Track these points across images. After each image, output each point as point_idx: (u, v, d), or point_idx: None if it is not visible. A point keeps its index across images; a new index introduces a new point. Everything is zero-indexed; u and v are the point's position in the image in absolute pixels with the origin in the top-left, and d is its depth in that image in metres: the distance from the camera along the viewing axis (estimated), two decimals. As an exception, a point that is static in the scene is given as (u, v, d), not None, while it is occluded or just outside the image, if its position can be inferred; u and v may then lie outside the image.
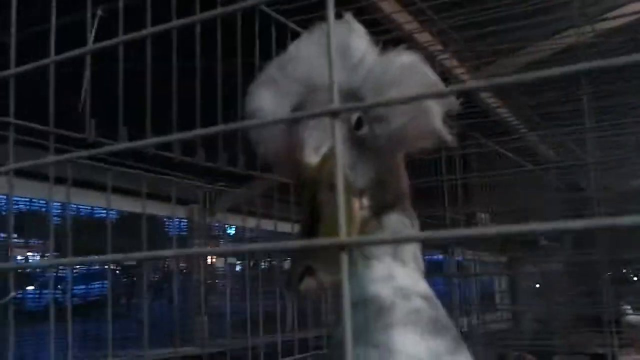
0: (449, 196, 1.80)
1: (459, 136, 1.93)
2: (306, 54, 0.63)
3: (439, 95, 0.61)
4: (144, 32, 0.48)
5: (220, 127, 0.58)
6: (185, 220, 3.56)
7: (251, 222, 2.18)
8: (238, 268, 4.01)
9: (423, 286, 0.66)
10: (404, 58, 0.63)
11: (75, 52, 0.50)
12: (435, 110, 0.62)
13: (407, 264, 0.66)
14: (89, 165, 1.49)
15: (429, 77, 0.63)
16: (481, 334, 3.41)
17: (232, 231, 3.86)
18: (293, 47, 0.65)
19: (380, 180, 0.65)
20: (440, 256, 3.79)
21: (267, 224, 2.01)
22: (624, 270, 3.80)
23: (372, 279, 0.64)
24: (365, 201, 0.62)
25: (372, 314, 0.63)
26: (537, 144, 2.71)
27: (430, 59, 2.17)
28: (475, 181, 2.30)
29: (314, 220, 0.54)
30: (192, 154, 1.32)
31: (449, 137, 0.64)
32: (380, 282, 0.64)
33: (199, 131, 0.51)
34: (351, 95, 0.60)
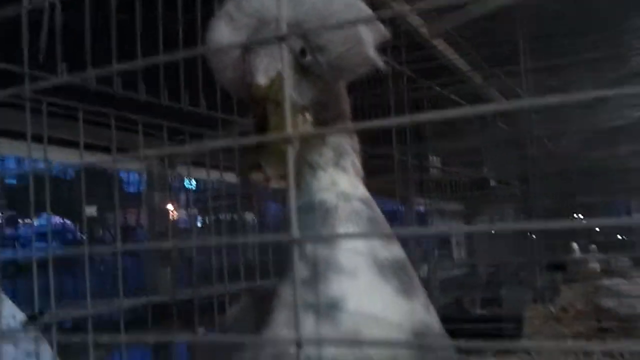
0: (397, 139, 1.92)
1: (409, 80, 2.05)
2: None
3: (368, 21, 0.72)
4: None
5: (181, 54, 0.68)
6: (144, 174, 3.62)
7: (212, 175, 2.30)
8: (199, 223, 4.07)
9: (362, 191, 0.79)
10: None
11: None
12: (368, 41, 0.73)
13: (348, 171, 0.78)
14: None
15: (364, 11, 0.74)
16: (438, 281, 3.62)
17: (191, 185, 3.90)
18: None
19: (321, 101, 0.76)
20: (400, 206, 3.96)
21: (230, 177, 2.08)
22: (574, 213, 4.09)
23: (318, 187, 0.77)
24: (308, 117, 0.74)
25: (319, 216, 0.76)
26: (484, 87, 2.84)
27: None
28: (426, 126, 2.44)
29: (262, 129, 0.65)
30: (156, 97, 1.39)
31: (380, 64, 0.75)
32: (324, 188, 0.76)
33: (162, 58, 0.60)
34: (297, 27, 0.71)
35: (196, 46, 0.87)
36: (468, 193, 3.52)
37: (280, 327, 0.72)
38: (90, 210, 2.64)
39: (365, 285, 0.71)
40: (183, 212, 3.63)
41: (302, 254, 0.73)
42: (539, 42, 2.21)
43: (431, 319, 0.76)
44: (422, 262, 3.79)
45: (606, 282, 3.50)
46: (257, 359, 0.72)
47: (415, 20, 2.46)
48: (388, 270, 0.73)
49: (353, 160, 0.80)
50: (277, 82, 0.67)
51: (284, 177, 0.61)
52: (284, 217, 0.79)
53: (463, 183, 3.23)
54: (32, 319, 1.06)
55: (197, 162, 2.39)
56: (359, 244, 0.73)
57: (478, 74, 2.82)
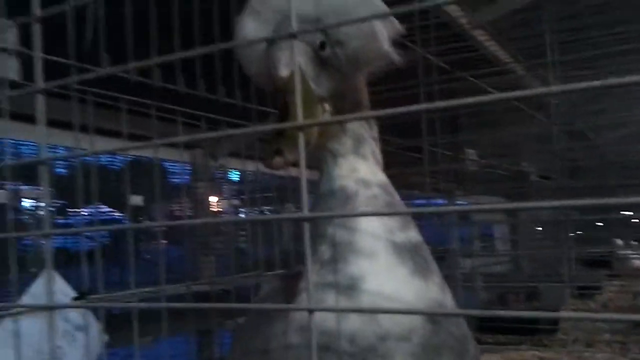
0: (429, 131, 1.95)
1: (442, 71, 2.07)
2: None
3: (382, 17, 0.77)
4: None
5: (216, 46, 0.75)
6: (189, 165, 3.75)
7: (252, 166, 2.30)
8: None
9: (380, 177, 0.84)
10: None
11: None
12: (383, 35, 0.79)
13: (367, 159, 0.84)
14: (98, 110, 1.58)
15: (379, 7, 0.79)
16: (481, 276, 3.62)
17: (235, 176, 3.97)
18: None
19: (340, 92, 0.82)
20: (440, 200, 3.97)
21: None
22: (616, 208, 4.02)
23: (339, 173, 0.82)
24: (327, 107, 0.80)
25: (340, 201, 0.81)
26: (525, 79, 2.83)
27: None
28: (461, 118, 2.46)
29: (283, 118, 0.71)
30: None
31: (396, 57, 0.81)
32: (345, 175, 0.82)
33: (200, 50, 0.66)
34: (316, 22, 0.77)
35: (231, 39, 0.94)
36: (508, 187, 3.51)
37: (304, 303, 0.78)
38: (136, 200, 2.77)
39: (383, 266, 0.77)
40: (226, 203, 3.72)
41: (323, 236, 0.79)
42: (570, 34, 2.20)
43: (445, 298, 0.81)
44: (465, 257, 3.80)
45: None
46: (286, 330, 0.78)
47: (455, 12, 2.48)
48: (404, 252, 0.78)
49: (372, 149, 0.85)
50: (288, 76, 0.73)
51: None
52: (316, 202, 0.85)
53: (502, 177, 3.22)
54: (81, 296, 1.15)
55: (238, 154, 2.44)
56: (377, 228, 0.79)
57: (519, 65, 2.82)
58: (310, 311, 0.57)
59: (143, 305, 1.54)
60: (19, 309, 1.07)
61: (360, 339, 0.73)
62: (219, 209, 3.89)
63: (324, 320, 0.73)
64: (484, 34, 2.63)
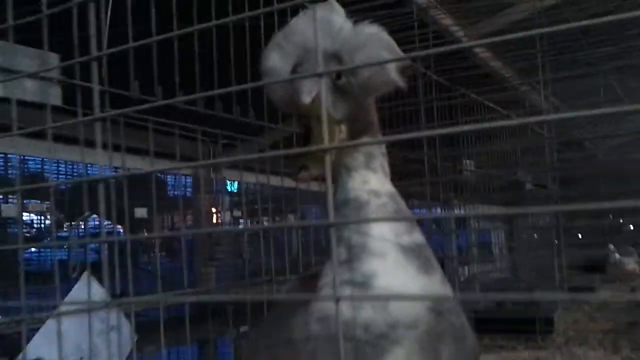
0: (430, 143, 2.09)
1: (444, 88, 2.22)
2: (302, 26, 0.94)
3: (395, 60, 0.92)
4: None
5: (250, 85, 0.89)
6: (190, 177, 3.87)
7: (254, 178, 2.43)
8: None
9: (388, 187, 0.98)
10: (371, 28, 0.94)
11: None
12: (391, 66, 0.93)
13: (377, 172, 0.97)
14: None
15: (388, 42, 0.93)
16: (479, 283, 3.76)
17: (233, 187, 4.06)
18: (294, 22, 0.96)
19: (353, 115, 0.95)
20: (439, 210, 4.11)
21: (271, 180, 2.16)
22: (611, 217, 4.19)
23: (352, 185, 0.96)
24: (343, 128, 0.94)
25: (353, 210, 0.95)
26: (526, 93, 2.98)
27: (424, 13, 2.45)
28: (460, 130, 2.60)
29: (306, 139, 0.86)
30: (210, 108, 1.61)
31: (402, 84, 0.95)
32: (357, 187, 0.96)
33: (251, 84, 0.81)
34: (333, 55, 0.91)
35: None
36: (504, 196, 3.66)
37: (330, 294, 0.92)
38: (141, 212, 2.90)
39: (392, 265, 0.90)
40: (227, 214, 3.81)
41: (341, 240, 0.93)
42: (562, 51, 2.36)
43: (446, 292, 0.96)
44: (463, 265, 3.93)
45: None
46: (307, 322, 0.92)
47: (455, 29, 2.63)
48: (410, 252, 0.92)
49: (381, 162, 0.99)
50: (317, 101, 0.87)
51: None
52: (325, 211, 0.99)
53: (499, 187, 3.37)
54: (113, 298, 1.29)
55: (247, 167, 2.51)
56: (386, 232, 0.92)
57: (517, 81, 2.97)
58: (337, 300, 0.71)
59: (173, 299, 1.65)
60: (60, 311, 1.21)
61: (373, 327, 0.85)
62: (219, 220, 3.98)
63: (342, 312, 0.87)
64: (485, 51, 2.79)
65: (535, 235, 4.99)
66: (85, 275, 1.28)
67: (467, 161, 2.64)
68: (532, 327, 2.69)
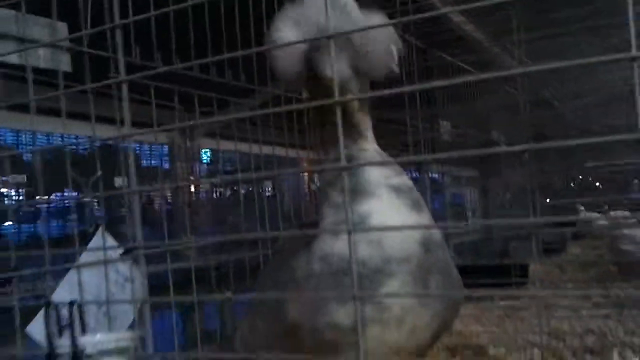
0: (409, 105, 2.22)
1: (420, 51, 2.35)
2: (319, 4, 1.02)
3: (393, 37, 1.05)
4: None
5: (256, 49, 1.01)
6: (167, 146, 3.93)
7: (231, 146, 2.35)
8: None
9: (375, 146, 1.09)
10: (377, 17, 1.05)
11: None
12: (392, 51, 1.06)
13: (367, 135, 1.09)
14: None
15: (392, 30, 1.05)
16: (453, 245, 3.96)
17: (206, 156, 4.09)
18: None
19: (360, 88, 1.06)
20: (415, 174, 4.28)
21: (245, 147, 2.24)
22: (580, 176, 4.43)
23: (345, 144, 1.09)
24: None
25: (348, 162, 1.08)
26: (499, 55, 3.13)
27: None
28: (436, 92, 2.75)
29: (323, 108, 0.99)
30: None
31: (396, 68, 1.08)
32: (349, 145, 1.08)
33: (255, 49, 0.92)
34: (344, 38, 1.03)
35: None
36: (478, 156, 3.83)
37: (327, 236, 1.04)
38: (121, 182, 2.95)
39: (387, 204, 1.02)
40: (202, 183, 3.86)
41: (334, 185, 1.06)
42: (533, 13, 2.52)
43: (434, 230, 1.10)
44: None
45: (626, 231, 3.78)
46: (309, 261, 1.04)
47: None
48: (401, 192, 1.05)
49: (369, 128, 1.13)
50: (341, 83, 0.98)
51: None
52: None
53: (473, 147, 3.53)
54: (127, 251, 1.41)
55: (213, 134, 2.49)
56: (377, 176, 1.04)
57: (491, 44, 3.11)
58: (349, 232, 0.85)
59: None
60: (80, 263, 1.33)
61: (370, 262, 0.97)
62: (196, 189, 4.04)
63: (341, 249, 0.99)
64: (459, 15, 2.92)
65: (508, 194, 5.23)
66: (100, 230, 1.40)
67: (443, 122, 2.79)
68: (507, 276, 2.89)
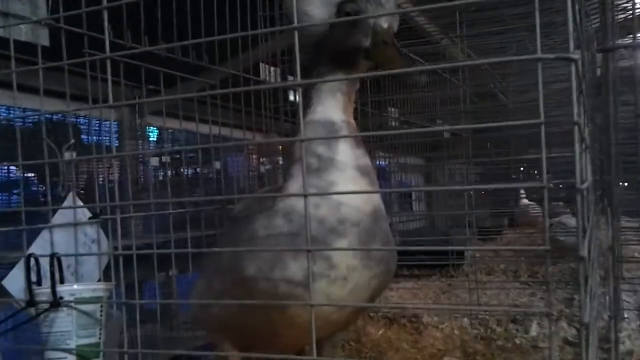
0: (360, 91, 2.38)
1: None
2: None
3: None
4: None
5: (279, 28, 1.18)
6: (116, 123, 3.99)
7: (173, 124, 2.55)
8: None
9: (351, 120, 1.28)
10: None
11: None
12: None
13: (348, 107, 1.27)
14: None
15: None
16: (398, 232, 4.20)
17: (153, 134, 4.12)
18: None
19: None
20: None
21: (190, 126, 2.39)
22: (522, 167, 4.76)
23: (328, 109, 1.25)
24: None
25: (327, 128, 1.24)
26: (449, 49, 3.35)
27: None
28: (385, 80, 2.96)
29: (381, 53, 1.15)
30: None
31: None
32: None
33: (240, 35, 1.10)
34: None
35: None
36: (425, 146, 4.10)
37: (292, 192, 1.21)
38: (69, 156, 3.03)
39: (350, 177, 1.20)
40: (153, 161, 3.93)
41: (312, 153, 1.20)
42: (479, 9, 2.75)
43: (381, 204, 1.30)
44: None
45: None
46: (271, 219, 1.20)
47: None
48: (363, 171, 1.23)
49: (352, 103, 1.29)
50: (391, 28, 1.17)
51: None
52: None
53: (419, 136, 3.77)
54: (94, 216, 1.57)
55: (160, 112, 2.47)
56: (348, 153, 1.21)
57: (440, 34, 3.34)
58: (305, 196, 1.04)
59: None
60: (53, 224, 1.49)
61: (327, 222, 1.15)
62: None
63: (303, 209, 1.14)
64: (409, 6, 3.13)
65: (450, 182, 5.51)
66: (71, 195, 1.56)
67: (392, 109, 3.00)
68: (445, 258, 3.15)
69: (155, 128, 3.94)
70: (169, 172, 3.21)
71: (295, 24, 1.08)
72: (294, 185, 1.22)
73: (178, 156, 3.35)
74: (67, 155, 3.52)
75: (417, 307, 2.44)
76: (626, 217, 4.31)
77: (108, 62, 1.17)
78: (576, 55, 0.88)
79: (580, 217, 0.86)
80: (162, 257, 2.26)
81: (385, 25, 1.16)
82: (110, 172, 3.90)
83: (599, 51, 1.08)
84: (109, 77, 1.18)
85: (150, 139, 4.08)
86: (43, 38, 1.49)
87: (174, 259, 2.09)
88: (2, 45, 1.43)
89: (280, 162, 3.51)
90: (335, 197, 1.18)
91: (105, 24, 1.17)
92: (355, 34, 1.18)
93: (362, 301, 1.24)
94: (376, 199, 1.26)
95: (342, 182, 1.19)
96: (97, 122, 4.42)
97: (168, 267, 2.29)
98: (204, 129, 2.30)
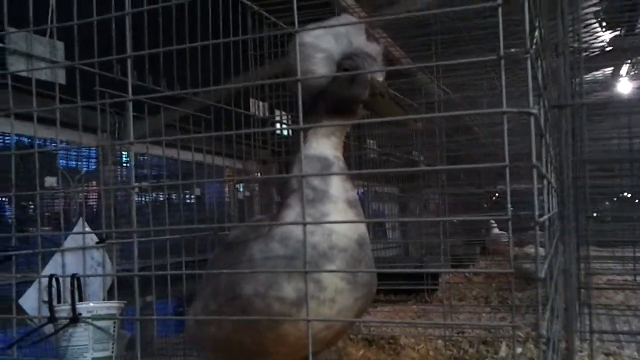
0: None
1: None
2: (345, 29, 1.35)
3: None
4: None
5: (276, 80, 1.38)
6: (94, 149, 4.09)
7: (156, 151, 2.62)
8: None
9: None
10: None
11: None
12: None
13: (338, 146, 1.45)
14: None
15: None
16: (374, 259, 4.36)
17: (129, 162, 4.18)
18: (334, 22, 1.35)
19: None
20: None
21: (173, 153, 2.46)
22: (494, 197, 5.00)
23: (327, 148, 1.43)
24: None
25: (323, 164, 1.40)
26: (426, 84, 3.57)
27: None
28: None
29: (374, 110, 1.34)
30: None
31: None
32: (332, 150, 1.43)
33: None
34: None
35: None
36: (401, 176, 4.31)
37: (289, 220, 1.35)
38: (51, 181, 3.17)
39: (341, 209, 1.36)
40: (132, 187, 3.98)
41: (310, 185, 1.36)
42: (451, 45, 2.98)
43: (367, 235, 1.47)
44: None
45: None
46: (268, 243, 1.34)
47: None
48: (351, 204, 1.39)
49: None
50: (383, 81, 1.35)
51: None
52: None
53: (396, 165, 3.97)
54: (101, 241, 1.73)
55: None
56: (339, 187, 1.38)
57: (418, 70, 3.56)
58: (304, 225, 1.23)
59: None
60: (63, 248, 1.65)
61: (319, 247, 1.30)
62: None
63: (299, 235, 1.28)
64: (387, 38, 3.35)
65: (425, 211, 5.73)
66: (80, 221, 1.72)
67: (370, 141, 3.20)
68: (420, 283, 3.34)
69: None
70: (148, 197, 3.30)
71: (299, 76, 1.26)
72: (291, 213, 1.37)
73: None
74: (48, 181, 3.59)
75: (399, 324, 2.61)
76: (595, 247, 4.60)
77: (130, 104, 1.34)
78: (534, 110, 1.08)
79: (538, 245, 1.06)
80: (142, 283, 2.35)
81: (380, 79, 1.35)
82: (91, 198, 3.99)
83: (552, 107, 1.29)
84: (130, 116, 1.35)
85: (124, 164, 4.18)
86: (60, 77, 1.66)
87: (154, 284, 2.17)
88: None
89: (256, 190, 3.68)
90: (327, 225, 1.34)
91: (129, 69, 1.34)
92: (354, 87, 1.36)
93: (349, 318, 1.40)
94: (362, 228, 1.42)
95: (334, 212, 1.35)
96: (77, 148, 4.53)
97: (147, 292, 2.37)
98: (184, 155, 2.44)
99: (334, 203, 1.37)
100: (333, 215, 1.36)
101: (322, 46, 1.36)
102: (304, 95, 1.29)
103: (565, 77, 1.46)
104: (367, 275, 1.42)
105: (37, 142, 2.94)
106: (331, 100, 1.40)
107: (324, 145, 1.42)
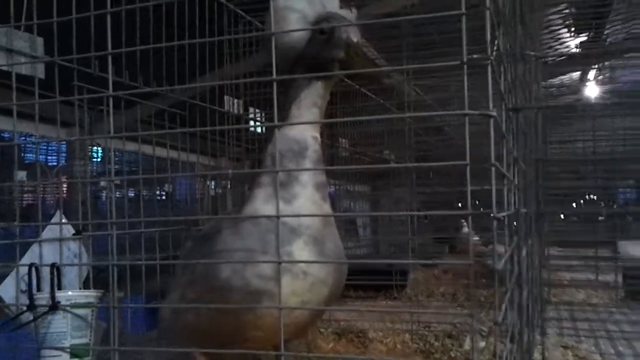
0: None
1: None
2: None
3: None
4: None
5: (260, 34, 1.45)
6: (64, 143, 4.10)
7: (130, 146, 2.63)
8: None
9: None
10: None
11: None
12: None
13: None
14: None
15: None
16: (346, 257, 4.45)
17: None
18: None
19: None
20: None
21: (146, 148, 2.45)
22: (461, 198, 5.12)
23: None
24: None
25: (301, 146, 1.47)
26: (398, 86, 3.67)
27: None
28: (337, 113, 3.25)
29: (349, 67, 1.40)
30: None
31: None
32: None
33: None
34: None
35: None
36: (372, 174, 4.41)
37: (259, 201, 1.44)
38: (22, 175, 3.21)
39: (309, 192, 1.44)
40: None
41: (284, 167, 1.43)
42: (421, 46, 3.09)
43: (331, 217, 1.56)
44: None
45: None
46: (239, 225, 1.42)
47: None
48: (319, 187, 1.46)
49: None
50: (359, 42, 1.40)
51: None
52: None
53: (368, 164, 4.07)
54: (77, 232, 1.79)
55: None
56: (309, 173, 1.45)
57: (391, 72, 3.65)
58: (278, 217, 1.31)
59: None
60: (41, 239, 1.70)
61: (287, 224, 1.36)
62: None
63: (268, 212, 1.39)
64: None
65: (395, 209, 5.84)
66: (58, 213, 1.77)
67: (342, 140, 3.28)
68: (389, 279, 3.44)
69: (99, 148, 4.07)
70: (117, 193, 3.32)
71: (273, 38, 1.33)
72: (262, 192, 1.46)
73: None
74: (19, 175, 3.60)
75: (371, 310, 2.71)
76: (557, 247, 4.76)
77: (111, 100, 1.40)
78: (494, 113, 1.17)
79: (497, 241, 1.15)
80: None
81: (355, 39, 1.42)
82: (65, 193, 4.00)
83: (508, 110, 1.39)
84: (111, 112, 1.41)
85: (94, 159, 4.20)
86: (40, 72, 1.71)
87: (128, 280, 2.21)
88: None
89: (229, 187, 3.74)
90: (295, 204, 1.43)
91: (110, 67, 1.40)
92: (330, 47, 1.43)
93: (322, 297, 1.45)
94: (326, 208, 1.50)
95: (303, 195, 1.44)
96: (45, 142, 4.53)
97: (120, 288, 2.40)
98: (156, 151, 2.45)
99: (303, 186, 1.45)
100: (301, 197, 1.44)
101: (296, 7, 1.44)
102: (282, 62, 1.39)
103: (524, 82, 1.56)
104: (334, 249, 1.50)
105: (6, 135, 2.97)
106: (309, 63, 1.46)
107: (303, 119, 1.49)
